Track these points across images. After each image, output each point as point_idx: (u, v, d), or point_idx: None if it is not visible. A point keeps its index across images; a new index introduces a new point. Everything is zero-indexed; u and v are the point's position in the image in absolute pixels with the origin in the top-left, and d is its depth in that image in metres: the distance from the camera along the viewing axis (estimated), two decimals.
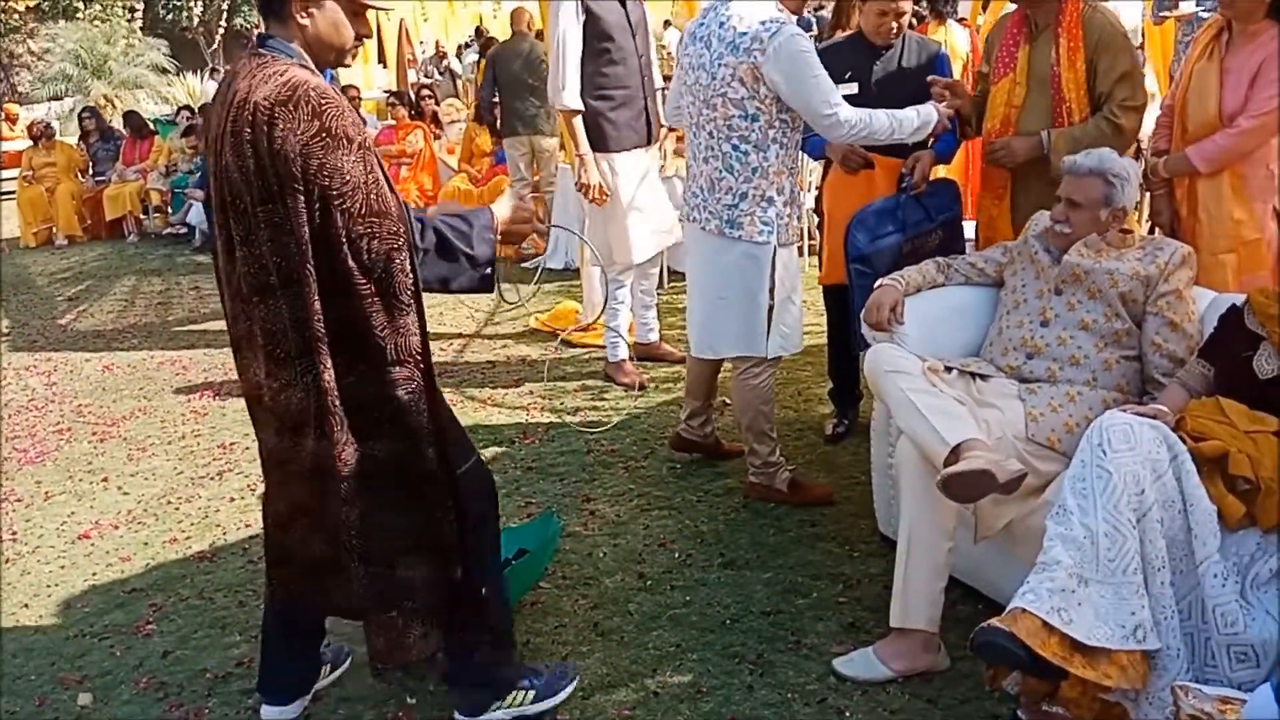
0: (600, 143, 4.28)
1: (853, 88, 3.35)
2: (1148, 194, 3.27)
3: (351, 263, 1.99)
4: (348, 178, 1.97)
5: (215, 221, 2.12)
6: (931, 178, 3.33)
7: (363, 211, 1.98)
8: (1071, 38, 3.02)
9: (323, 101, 1.97)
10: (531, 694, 2.39)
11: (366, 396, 2.08)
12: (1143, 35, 6.30)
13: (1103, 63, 3.00)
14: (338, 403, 2.06)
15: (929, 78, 3.26)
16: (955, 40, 5.73)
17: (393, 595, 2.20)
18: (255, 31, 2.33)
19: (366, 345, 2.05)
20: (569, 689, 2.46)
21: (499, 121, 7.01)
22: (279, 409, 2.12)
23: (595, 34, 4.20)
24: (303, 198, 1.96)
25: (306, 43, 2.10)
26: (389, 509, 2.15)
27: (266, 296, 2.04)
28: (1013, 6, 3.27)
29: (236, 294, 2.10)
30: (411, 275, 2.05)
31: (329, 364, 2.04)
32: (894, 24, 3.37)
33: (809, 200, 5.44)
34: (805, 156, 4.23)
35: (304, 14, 2.08)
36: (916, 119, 3.06)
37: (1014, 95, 3.14)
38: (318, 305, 2.01)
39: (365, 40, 2.29)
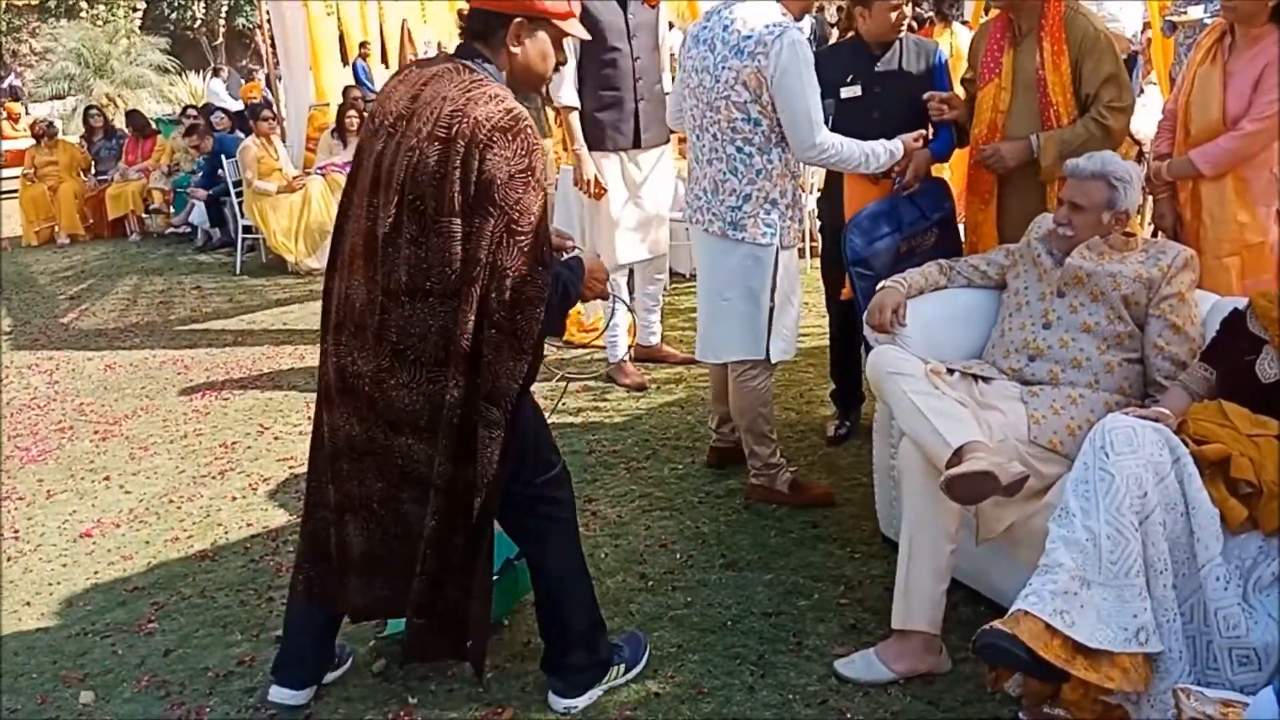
0: (588, 142, 4.30)
1: (855, 90, 3.36)
2: (1150, 197, 3.26)
3: (503, 297, 2.03)
4: (531, 220, 2.02)
5: (366, 202, 2.12)
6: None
7: (530, 256, 2.03)
8: (1055, 41, 3.03)
9: (536, 142, 2.03)
10: (623, 667, 2.53)
11: (466, 420, 2.11)
12: (1144, 38, 6.28)
13: (1087, 65, 3.01)
14: (451, 418, 2.10)
15: (926, 95, 3.28)
16: (960, 43, 5.72)
17: (430, 603, 2.26)
18: (429, 39, 2.36)
19: (478, 374, 2.08)
20: (646, 652, 2.61)
21: None
22: (386, 401, 2.15)
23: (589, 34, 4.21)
24: (491, 221, 2.00)
25: (512, 69, 2.13)
26: (453, 527, 2.19)
27: (417, 298, 2.07)
28: None
29: (384, 285, 2.10)
30: (539, 326, 2.09)
31: (460, 381, 2.07)
32: (900, 17, 3.38)
33: (810, 203, 5.43)
34: None
35: (516, 42, 2.11)
36: (884, 155, 3.11)
37: (1000, 100, 3.15)
38: (471, 324, 2.04)
39: (562, 67, 2.33)
